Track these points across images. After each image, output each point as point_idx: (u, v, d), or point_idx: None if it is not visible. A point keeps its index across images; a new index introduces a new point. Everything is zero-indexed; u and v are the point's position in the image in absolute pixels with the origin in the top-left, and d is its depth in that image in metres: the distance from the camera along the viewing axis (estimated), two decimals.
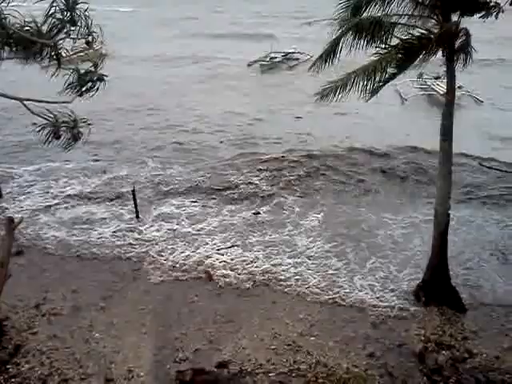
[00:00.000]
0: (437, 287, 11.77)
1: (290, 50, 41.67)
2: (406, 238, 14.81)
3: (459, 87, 29.39)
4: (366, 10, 10.83)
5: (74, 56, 6.66)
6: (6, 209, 16.46)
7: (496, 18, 10.28)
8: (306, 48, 38.58)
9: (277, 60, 40.30)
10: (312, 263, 13.71)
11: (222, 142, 22.77)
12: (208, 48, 43.19)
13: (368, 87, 10.27)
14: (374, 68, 10.22)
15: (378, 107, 22.55)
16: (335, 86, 10.58)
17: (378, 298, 12.22)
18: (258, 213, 16.39)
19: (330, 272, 13.32)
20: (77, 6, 6.16)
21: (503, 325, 11.21)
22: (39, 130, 6.69)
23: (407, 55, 10.44)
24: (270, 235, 15.17)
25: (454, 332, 10.76)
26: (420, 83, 28.49)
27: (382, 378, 9.84)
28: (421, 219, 15.41)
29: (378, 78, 10.24)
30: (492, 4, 10.23)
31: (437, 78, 29.23)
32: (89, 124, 6.99)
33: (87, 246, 14.73)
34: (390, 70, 10.54)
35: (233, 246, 14.52)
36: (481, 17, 10.50)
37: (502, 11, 10.30)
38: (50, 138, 6.71)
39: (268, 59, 40.11)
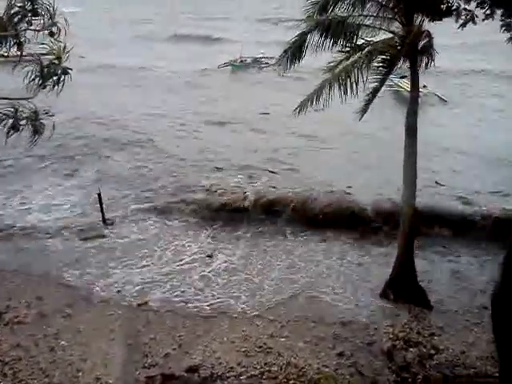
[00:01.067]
0: (404, 285, 11.94)
1: (259, 55, 42.17)
2: None
3: (424, 86, 30.30)
4: (332, 10, 10.92)
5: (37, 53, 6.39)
6: None
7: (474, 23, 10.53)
8: (274, 52, 39.19)
9: (247, 62, 40.82)
10: None
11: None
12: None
13: (343, 93, 10.34)
14: (346, 74, 10.31)
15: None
16: (312, 96, 10.72)
17: (347, 297, 12.32)
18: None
19: None
20: None
21: (468, 320, 11.46)
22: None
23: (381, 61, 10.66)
24: None
25: (421, 329, 10.94)
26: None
27: (352, 377, 9.91)
28: None
29: (349, 84, 10.29)
30: (454, 9, 10.48)
31: (402, 77, 29.74)
32: (51, 116, 6.77)
33: None
34: (372, 85, 10.88)
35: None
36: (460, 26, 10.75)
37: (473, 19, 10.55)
38: (9, 132, 6.47)
39: (238, 62, 40.51)
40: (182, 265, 13.75)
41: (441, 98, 29.43)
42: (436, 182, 18.10)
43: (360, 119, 11.38)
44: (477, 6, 10.46)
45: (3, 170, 19.07)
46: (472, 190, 17.42)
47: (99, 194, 15.53)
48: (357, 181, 17.94)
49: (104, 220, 15.50)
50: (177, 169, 19.42)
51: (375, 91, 11.06)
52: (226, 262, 13.88)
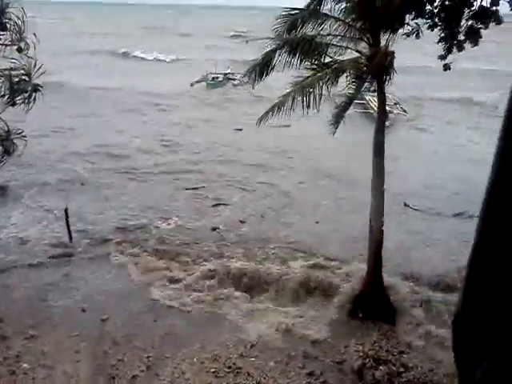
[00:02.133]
0: (372, 302, 12.00)
1: (227, 71, 42.73)
2: None
3: (395, 103, 31.14)
4: (301, 28, 11.04)
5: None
6: None
7: (417, 37, 10.78)
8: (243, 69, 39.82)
9: (220, 79, 41.23)
10: None
11: None
12: None
13: (306, 105, 10.44)
14: (311, 85, 10.42)
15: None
16: (275, 106, 10.77)
17: (317, 316, 12.26)
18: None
19: None
20: (8, 11, 5.85)
21: (436, 335, 11.56)
22: None
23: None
24: None
25: (390, 347, 10.94)
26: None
27: None
28: None
29: (313, 96, 10.43)
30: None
31: (374, 90, 30.33)
32: (23, 136, 6.60)
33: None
34: (345, 99, 11.10)
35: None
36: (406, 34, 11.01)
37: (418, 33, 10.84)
38: None
39: (211, 79, 40.83)
40: None
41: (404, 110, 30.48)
42: (405, 204, 18.47)
43: (334, 133, 11.50)
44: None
45: None
46: None
47: (66, 210, 15.22)
48: None
49: (71, 237, 15.16)
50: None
51: (345, 106, 11.17)
52: None
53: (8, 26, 6.02)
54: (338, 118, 11.56)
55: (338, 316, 12.13)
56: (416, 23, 10.88)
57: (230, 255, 14.90)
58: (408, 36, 10.93)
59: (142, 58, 55.40)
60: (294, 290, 13.06)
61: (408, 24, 10.88)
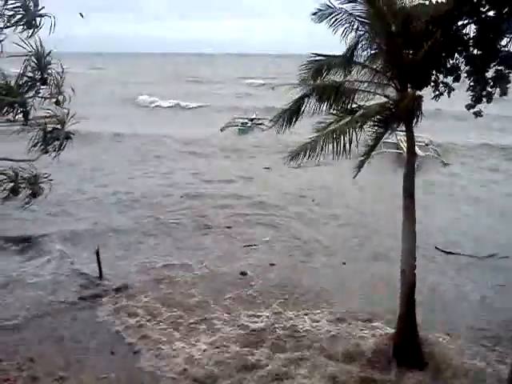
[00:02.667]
0: (406, 351, 11.66)
1: (253, 116, 43.62)
2: None
3: (426, 144, 31.20)
4: (327, 74, 11.29)
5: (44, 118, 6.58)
6: None
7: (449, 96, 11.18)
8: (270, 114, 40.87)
9: (249, 125, 41.97)
10: None
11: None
12: None
13: (336, 150, 10.48)
14: (340, 132, 10.46)
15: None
16: (304, 148, 10.78)
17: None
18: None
19: None
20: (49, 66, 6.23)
21: None
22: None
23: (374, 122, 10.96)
24: None
25: None
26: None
27: None
28: None
29: (343, 142, 10.50)
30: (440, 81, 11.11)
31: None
32: (50, 180, 6.88)
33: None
34: (371, 141, 11.06)
35: None
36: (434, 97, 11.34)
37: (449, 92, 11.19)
38: (9, 195, 6.57)
39: (240, 124, 41.59)
40: None
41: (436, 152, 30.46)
42: (436, 248, 18.21)
43: (355, 176, 11.42)
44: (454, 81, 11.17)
45: None
46: None
47: (97, 251, 15.51)
48: None
49: (101, 276, 15.37)
50: None
51: (371, 148, 11.22)
52: None
53: (48, 80, 6.38)
54: (363, 161, 11.47)
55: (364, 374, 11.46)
56: (444, 82, 11.17)
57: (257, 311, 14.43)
58: (440, 95, 11.21)
59: (168, 107, 56.61)
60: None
61: (435, 82, 11.19)
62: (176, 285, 15.70)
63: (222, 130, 40.56)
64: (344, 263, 17.24)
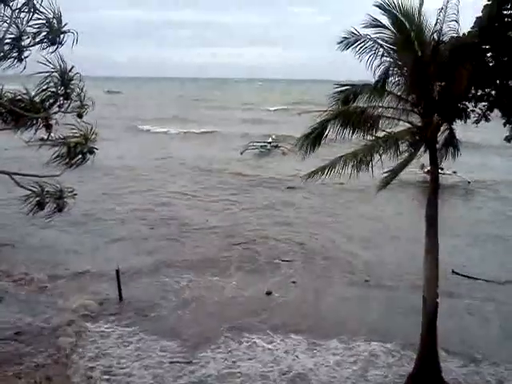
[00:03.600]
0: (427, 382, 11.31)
1: (269, 140, 44.88)
2: None
3: (454, 172, 30.77)
4: (353, 102, 11.28)
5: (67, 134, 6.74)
6: None
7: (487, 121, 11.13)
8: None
9: (268, 147, 43.27)
10: None
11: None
12: None
13: (355, 171, 10.44)
14: (363, 154, 10.43)
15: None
16: (324, 167, 10.78)
17: None
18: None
19: None
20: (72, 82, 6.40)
21: None
22: (25, 201, 6.70)
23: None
24: None
25: None
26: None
27: None
28: None
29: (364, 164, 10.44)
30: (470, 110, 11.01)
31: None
32: (74, 194, 7.01)
33: None
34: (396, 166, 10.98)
35: None
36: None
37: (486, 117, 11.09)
38: (34, 209, 6.70)
39: (260, 146, 42.90)
40: None
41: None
42: (453, 272, 17.74)
43: (377, 192, 11.33)
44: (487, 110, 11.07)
45: None
46: None
47: (117, 271, 15.56)
48: None
49: (121, 297, 15.38)
50: None
51: (395, 173, 11.11)
52: None
53: (71, 95, 6.57)
54: (386, 183, 11.31)
55: None
56: (480, 108, 11.08)
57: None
58: (478, 122, 11.14)
59: (186, 132, 57.16)
60: None
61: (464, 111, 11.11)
62: None
63: (241, 153, 41.53)
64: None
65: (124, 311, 14.88)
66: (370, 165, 10.24)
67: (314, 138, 11.24)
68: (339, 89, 11.39)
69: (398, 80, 11.33)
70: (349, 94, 11.30)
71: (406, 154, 10.98)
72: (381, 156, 10.40)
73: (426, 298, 11.41)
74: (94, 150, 6.76)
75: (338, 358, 12.99)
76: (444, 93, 10.61)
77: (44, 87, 6.25)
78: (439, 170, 11.89)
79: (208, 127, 57.35)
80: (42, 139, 6.47)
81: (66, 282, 16.83)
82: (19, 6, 6.21)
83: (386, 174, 11.04)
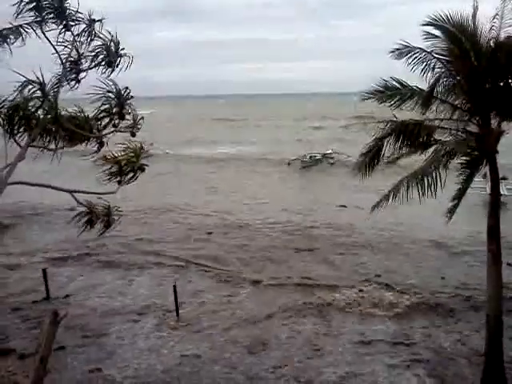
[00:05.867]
0: None
1: (328, 151, 44.09)
2: None
3: (503, 178, 29.25)
4: (401, 103, 11.10)
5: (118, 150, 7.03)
6: None
7: None
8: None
9: (317, 158, 42.64)
10: None
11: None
12: None
13: (421, 192, 10.09)
14: (423, 173, 10.09)
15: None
16: (388, 194, 10.57)
17: None
18: None
19: None
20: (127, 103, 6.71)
21: None
22: (78, 220, 7.03)
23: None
24: None
25: None
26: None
27: None
28: None
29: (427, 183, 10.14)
30: None
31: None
32: (120, 211, 7.26)
33: None
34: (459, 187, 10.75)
35: None
36: None
37: None
38: (86, 226, 7.00)
39: (308, 158, 42.50)
40: None
41: None
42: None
43: (449, 220, 11.07)
44: None
45: None
46: None
47: (174, 286, 15.82)
48: None
49: (177, 313, 15.62)
50: None
51: (461, 192, 10.84)
52: None
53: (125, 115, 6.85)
54: (455, 205, 11.04)
55: None
56: None
57: None
58: None
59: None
60: None
61: None
62: None
63: (289, 164, 41.54)
64: None
65: None
66: (434, 182, 9.84)
67: (370, 159, 11.16)
68: (389, 93, 11.15)
69: (453, 89, 11.09)
70: (394, 95, 11.08)
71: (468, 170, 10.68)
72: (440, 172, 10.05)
73: (489, 315, 10.94)
74: (145, 166, 7.00)
75: None
76: (503, 94, 10.29)
77: (103, 108, 6.56)
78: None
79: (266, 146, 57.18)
80: (95, 159, 6.81)
81: None
82: (80, 30, 6.59)
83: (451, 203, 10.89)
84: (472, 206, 21.46)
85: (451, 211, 11.06)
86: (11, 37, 6.47)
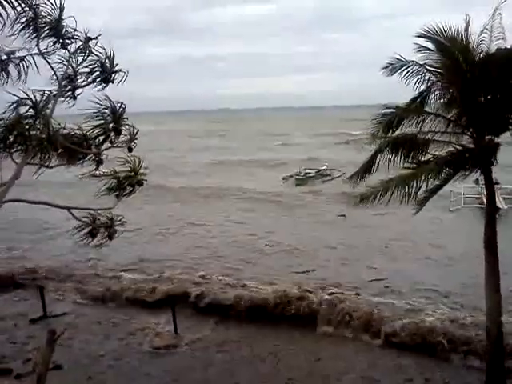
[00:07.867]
0: None
1: (322, 167, 44.15)
2: None
3: (495, 183, 29.21)
4: (397, 127, 11.20)
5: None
6: None
7: None
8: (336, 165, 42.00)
9: (311, 175, 42.53)
10: None
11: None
12: None
13: (407, 195, 10.23)
14: (413, 177, 10.27)
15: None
16: (375, 191, 10.63)
17: None
18: None
19: None
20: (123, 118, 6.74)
21: None
22: (78, 231, 7.00)
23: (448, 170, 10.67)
24: None
25: None
26: (474, 190, 28.37)
27: None
28: None
29: (415, 188, 10.26)
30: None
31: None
32: (124, 222, 7.24)
33: None
34: (436, 182, 10.69)
35: None
36: None
37: None
38: (86, 238, 6.98)
39: (302, 174, 42.43)
40: None
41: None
42: None
43: (415, 213, 11.10)
44: None
45: None
46: None
47: (173, 304, 15.74)
48: None
49: (176, 330, 15.50)
50: None
51: (437, 188, 10.90)
52: None
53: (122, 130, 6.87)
54: (425, 199, 11.06)
55: None
56: None
57: None
58: None
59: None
60: None
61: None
62: None
63: (284, 180, 41.66)
64: None
65: None
66: (418, 188, 10.01)
67: (363, 171, 11.35)
68: (383, 112, 11.29)
69: (446, 102, 11.19)
70: (393, 118, 11.21)
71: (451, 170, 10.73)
72: (428, 179, 10.15)
73: (488, 327, 10.89)
74: (143, 181, 7.01)
75: None
76: (492, 106, 10.39)
77: (97, 123, 6.59)
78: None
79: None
80: (93, 175, 6.77)
81: None
82: (75, 48, 6.64)
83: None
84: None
85: (421, 203, 11.02)
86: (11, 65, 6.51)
